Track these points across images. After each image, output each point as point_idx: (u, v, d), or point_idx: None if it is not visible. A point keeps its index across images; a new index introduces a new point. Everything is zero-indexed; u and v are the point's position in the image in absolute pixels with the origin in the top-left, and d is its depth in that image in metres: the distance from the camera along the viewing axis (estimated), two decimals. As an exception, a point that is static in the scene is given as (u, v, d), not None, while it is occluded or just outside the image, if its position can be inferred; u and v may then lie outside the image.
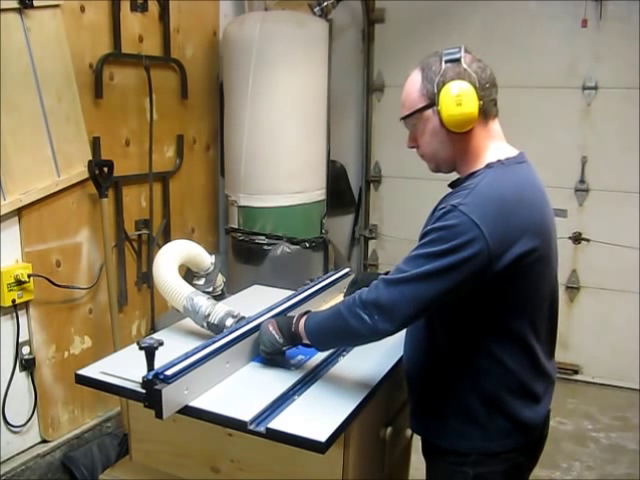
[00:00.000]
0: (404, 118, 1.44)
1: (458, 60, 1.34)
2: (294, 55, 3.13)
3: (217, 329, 1.72)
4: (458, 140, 1.38)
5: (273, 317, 1.65)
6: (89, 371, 1.60)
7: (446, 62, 1.35)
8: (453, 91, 1.32)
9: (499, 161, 1.38)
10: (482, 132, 1.39)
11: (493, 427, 1.41)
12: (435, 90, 1.35)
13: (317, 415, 1.40)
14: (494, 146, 1.41)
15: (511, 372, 1.39)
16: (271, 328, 1.55)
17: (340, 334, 1.43)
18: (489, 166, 1.37)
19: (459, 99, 1.31)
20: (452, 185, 1.46)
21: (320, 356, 1.63)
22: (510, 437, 1.42)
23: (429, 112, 1.38)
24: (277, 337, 1.53)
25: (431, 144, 1.42)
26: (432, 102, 1.36)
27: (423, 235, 1.34)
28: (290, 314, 1.65)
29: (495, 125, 1.43)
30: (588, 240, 3.83)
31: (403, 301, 1.30)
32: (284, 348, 1.56)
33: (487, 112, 1.38)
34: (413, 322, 1.39)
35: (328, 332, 1.46)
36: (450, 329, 1.42)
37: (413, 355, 1.54)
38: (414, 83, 1.40)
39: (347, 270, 2.25)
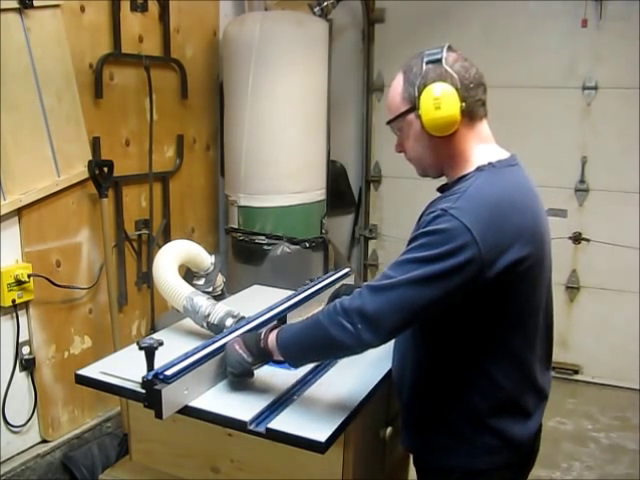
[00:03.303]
0: (388, 123, 1.39)
1: (439, 61, 1.29)
2: (294, 55, 3.13)
3: (217, 329, 1.72)
4: (442, 144, 1.33)
5: (239, 335, 1.52)
6: (89, 371, 1.60)
7: (427, 63, 1.30)
8: (432, 94, 1.27)
9: (490, 164, 1.32)
10: (468, 134, 1.33)
11: (479, 443, 1.35)
12: (416, 93, 1.30)
13: (317, 415, 1.40)
14: (483, 148, 1.35)
15: (500, 387, 1.33)
16: (237, 347, 1.44)
17: (319, 346, 1.33)
18: (480, 169, 1.31)
19: (438, 102, 1.26)
20: (441, 189, 1.40)
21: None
22: (497, 454, 1.36)
23: (412, 116, 1.33)
24: (245, 356, 1.42)
25: (416, 148, 1.37)
26: (414, 106, 1.31)
27: (411, 240, 1.28)
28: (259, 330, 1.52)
29: (483, 126, 1.36)
30: (588, 240, 3.83)
31: (390, 309, 1.22)
32: (253, 367, 1.45)
33: (473, 113, 1.32)
34: (400, 332, 1.32)
35: (304, 345, 1.35)
36: (437, 341, 1.35)
37: (400, 367, 1.47)
38: (397, 86, 1.36)
39: (347, 270, 2.25)
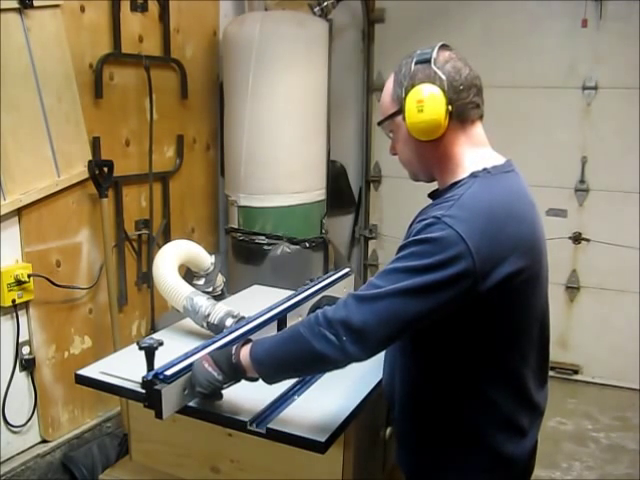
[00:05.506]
0: (379, 124, 1.36)
1: (428, 61, 1.24)
2: (294, 55, 3.13)
3: (217, 329, 1.72)
4: (431, 148, 1.27)
5: (207, 353, 1.42)
6: (89, 371, 1.60)
7: (416, 63, 1.25)
8: (416, 96, 1.22)
9: (485, 170, 1.25)
10: (459, 138, 1.27)
11: (471, 462, 1.29)
12: (403, 95, 1.25)
13: (317, 415, 1.40)
14: (476, 153, 1.28)
15: (493, 404, 1.27)
16: (206, 365, 1.33)
17: (299, 360, 1.24)
18: (474, 175, 1.25)
19: (421, 105, 1.21)
20: (432, 196, 1.34)
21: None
22: (489, 473, 1.30)
23: (399, 118, 1.28)
24: (215, 374, 1.32)
25: (404, 152, 1.34)
26: (401, 108, 1.26)
27: (401, 248, 1.21)
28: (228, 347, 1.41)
29: (476, 130, 1.30)
30: (588, 240, 3.83)
31: (376, 320, 1.15)
32: (225, 386, 1.34)
33: (463, 116, 1.26)
34: (388, 345, 1.27)
35: (282, 359, 1.26)
36: (426, 355, 1.30)
37: (389, 382, 1.42)
38: (388, 87, 1.32)
39: (347, 270, 2.25)
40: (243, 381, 1.36)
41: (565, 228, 3.81)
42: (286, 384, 1.48)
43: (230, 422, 1.40)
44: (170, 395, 1.35)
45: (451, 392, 1.29)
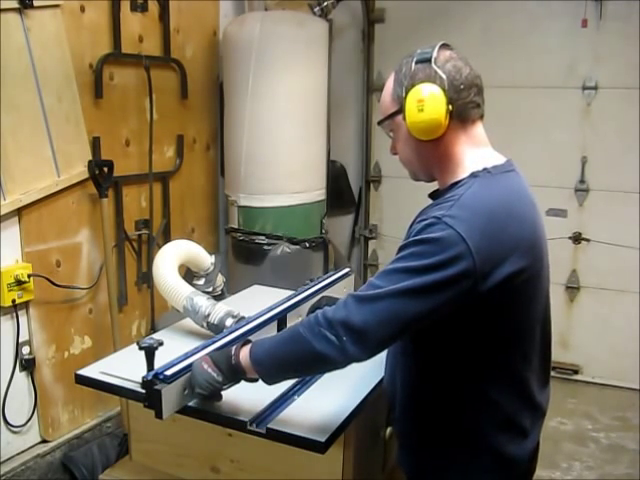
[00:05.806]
0: (379, 123, 1.36)
1: (428, 60, 1.24)
2: (294, 55, 3.13)
3: (217, 329, 1.72)
4: (431, 148, 1.27)
5: (206, 354, 1.41)
6: (89, 371, 1.60)
7: (416, 63, 1.25)
8: (417, 96, 1.22)
9: (485, 169, 1.25)
10: (459, 138, 1.27)
11: (472, 463, 1.29)
12: (403, 94, 1.25)
13: (317, 415, 1.40)
14: (476, 153, 1.28)
15: (495, 405, 1.26)
16: (206, 366, 1.33)
17: (299, 360, 1.24)
18: (474, 175, 1.25)
19: (421, 104, 1.21)
20: (432, 196, 1.34)
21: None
22: (491, 474, 1.30)
23: (400, 118, 1.27)
24: (215, 375, 1.32)
25: (405, 151, 1.33)
26: (401, 107, 1.26)
27: (401, 248, 1.20)
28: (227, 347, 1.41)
29: (477, 130, 1.29)
30: (588, 240, 3.83)
31: (377, 321, 1.15)
32: (224, 387, 1.34)
33: (463, 116, 1.25)
34: (388, 346, 1.27)
35: (282, 359, 1.26)
36: (427, 356, 1.29)
37: (390, 382, 1.42)
38: (388, 87, 1.32)
39: (347, 270, 2.25)
40: (243, 381, 1.35)
41: (565, 228, 3.82)
42: (286, 384, 1.48)
43: (230, 422, 1.40)
44: (170, 395, 1.35)
45: (452, 392, 1.29)
